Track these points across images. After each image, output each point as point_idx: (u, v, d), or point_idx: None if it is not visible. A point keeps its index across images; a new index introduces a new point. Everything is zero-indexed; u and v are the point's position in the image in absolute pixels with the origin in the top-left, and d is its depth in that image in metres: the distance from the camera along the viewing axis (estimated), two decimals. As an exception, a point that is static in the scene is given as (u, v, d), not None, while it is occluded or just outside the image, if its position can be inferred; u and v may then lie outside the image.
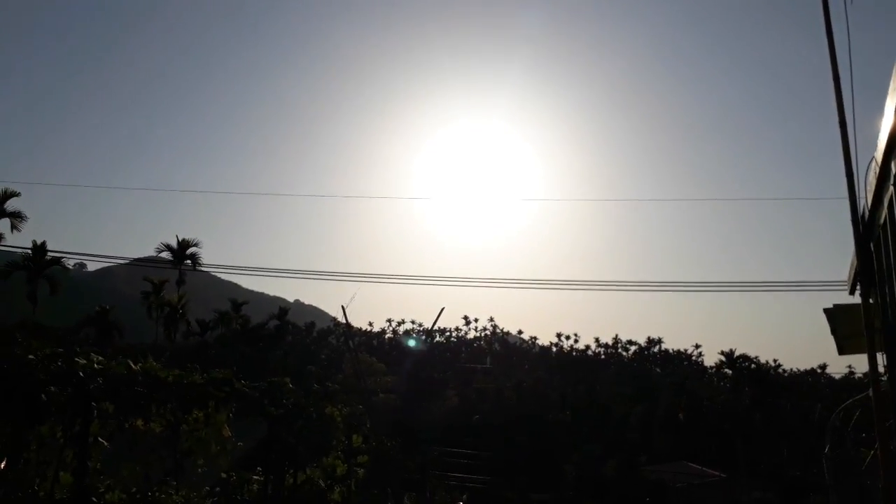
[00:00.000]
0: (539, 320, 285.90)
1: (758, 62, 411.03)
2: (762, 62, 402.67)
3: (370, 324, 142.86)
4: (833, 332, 10.39)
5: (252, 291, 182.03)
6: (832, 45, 8.53)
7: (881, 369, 8.68)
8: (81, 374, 9.64)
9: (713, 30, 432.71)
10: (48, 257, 58.36)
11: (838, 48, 8.66)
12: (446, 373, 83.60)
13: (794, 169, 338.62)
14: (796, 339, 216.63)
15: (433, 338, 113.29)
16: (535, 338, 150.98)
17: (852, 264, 8.82)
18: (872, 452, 9.89)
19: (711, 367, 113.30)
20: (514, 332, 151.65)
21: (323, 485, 12.09)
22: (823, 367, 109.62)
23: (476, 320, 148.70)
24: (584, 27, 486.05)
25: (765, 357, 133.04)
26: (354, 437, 13.06)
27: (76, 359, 9.46)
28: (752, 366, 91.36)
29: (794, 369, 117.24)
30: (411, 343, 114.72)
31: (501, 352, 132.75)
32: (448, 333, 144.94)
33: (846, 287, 9.81)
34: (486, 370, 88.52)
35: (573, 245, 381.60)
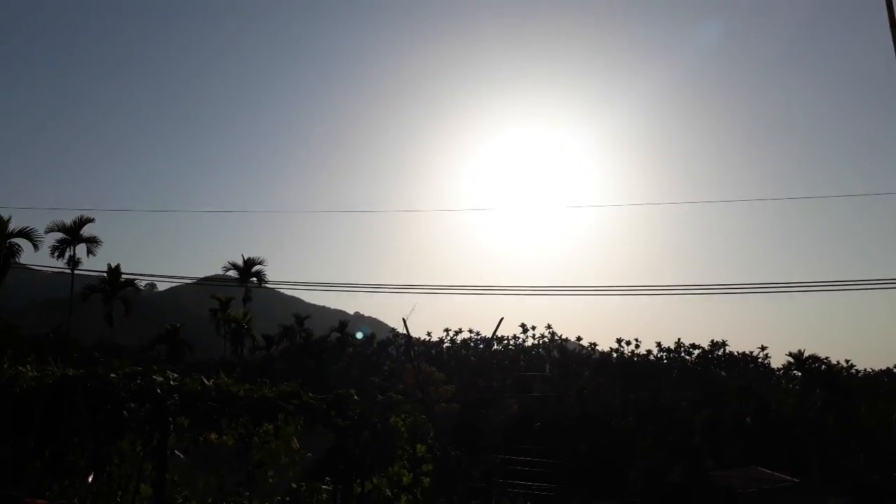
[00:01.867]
0: (598, 327, 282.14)
1: (822, 61, 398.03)
2: (826, 61, 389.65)
3: (429, 334, 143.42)
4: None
5: (314, 305, 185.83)
6: None
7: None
8: (159, 390, 10.09)
9: (775, 32, 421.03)
10: (122, 279, 60.96)
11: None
12: (506, 381, 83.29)
13: (861, 166, 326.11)
14: (869, 338, 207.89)
15: (492, 346, 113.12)
16: (595, 344, 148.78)
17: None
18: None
19: (779, 370, 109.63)
20: (572, 339, 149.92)
21: (390, 493, 12.34)
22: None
23: (534, 328, 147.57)
24: (638, 28, 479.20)
25: (836, 358, 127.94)
26: (419, 446, 13.25)
27: (154, 376, 9.92)
28: (823, 367, 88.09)
29: (869, 369, 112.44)
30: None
31: (560, 359, 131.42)
32: (506, 342, 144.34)
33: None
34: (545, 377, 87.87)
35: (632, 250, 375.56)
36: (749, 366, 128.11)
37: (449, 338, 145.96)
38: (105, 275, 60.38)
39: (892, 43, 9.05)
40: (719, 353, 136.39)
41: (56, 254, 58.39)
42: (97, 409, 9.90)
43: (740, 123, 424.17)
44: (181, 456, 10.85)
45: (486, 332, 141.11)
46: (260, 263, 70.97)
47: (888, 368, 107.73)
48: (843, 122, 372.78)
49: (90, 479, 10.06)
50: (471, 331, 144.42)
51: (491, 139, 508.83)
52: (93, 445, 10.14)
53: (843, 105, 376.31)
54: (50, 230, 57.99)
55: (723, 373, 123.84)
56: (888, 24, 9.24)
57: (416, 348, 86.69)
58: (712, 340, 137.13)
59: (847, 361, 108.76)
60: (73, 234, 58.47)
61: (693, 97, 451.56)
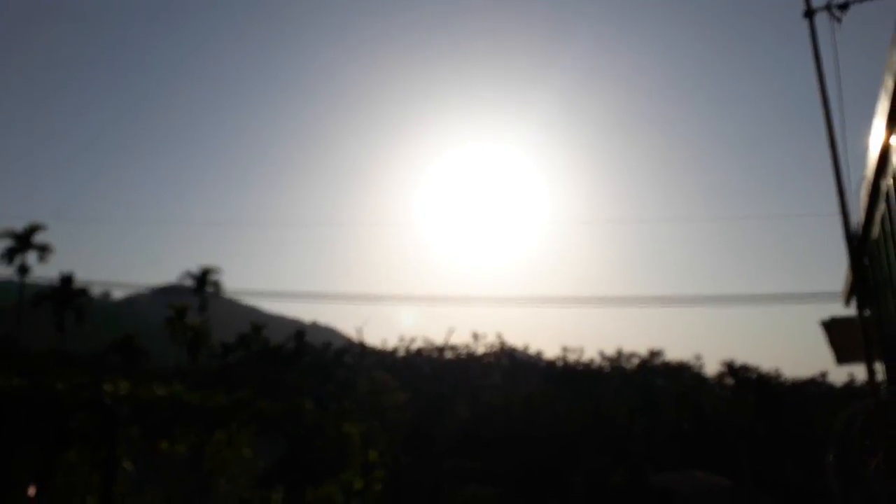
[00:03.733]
0: (545, 336, 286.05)
1: (759, 83, 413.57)
2: (763, 83, 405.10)
3: (384, 342, 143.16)
4: (830, 343, 10.75)
5: (271, 314, 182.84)
6: (820, 69, 8.95)
7: (879, 378, 9.00)
8: (108, 400, 9.99)
9: (714, 53, 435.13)
10: (75, 287, 59.68)
11: (827, 71, 9.10)
12: (457, 389, 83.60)
13: (794, 185, 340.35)
14: (796, 348, 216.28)
15: (444, 355, 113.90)
16: (542, 352, 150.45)
17: (847, 278, 9.18)
18: (875, 461, 10.26)
19: (713, 378, 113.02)
20: (520, 347, 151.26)
21: (342, 499, 12.42)
22: (824, 374, 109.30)
23: (485, 336, 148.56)
24: (588, 48, 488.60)
25: (765, 366, 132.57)
26: (371, 452, 13.40)
27: (104, 386, 9.81)
28: (754, 375, 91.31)
29: (796, 378, 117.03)
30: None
31: (509, 367, 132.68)
32: (457, 350, 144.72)
33: (841, 299, 10.17)
34: (494, 385, 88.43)
35: (577, 263, 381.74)
36: (685, 373, 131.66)
37: (404, 347, 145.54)
38: (57, 283, 58.98)
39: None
40: (657, 362, 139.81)
41: (5, 261, 57.08)
42: (42, 420, 9.74)
43: (687, 141, 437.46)
44: (128, 467, 10.71)
45: (441, 342, 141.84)
46: (217, 272, 70.74)
47: (813, 378, 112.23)
48: (780, 142, 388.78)
49: (32, 492, 9.86)
50: (425, 340, 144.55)
51: (447, 153, 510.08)
52: (38, 457, 9.95)
53: (786, 124, 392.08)
54: (-1, 236, 56.60)
55: (660, 380, 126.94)
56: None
57: (370, 357, 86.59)
58: (650, 349, 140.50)
59: (776, 370, 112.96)
60: (23, 241, 57.29)
61: (637, 114, 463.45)
